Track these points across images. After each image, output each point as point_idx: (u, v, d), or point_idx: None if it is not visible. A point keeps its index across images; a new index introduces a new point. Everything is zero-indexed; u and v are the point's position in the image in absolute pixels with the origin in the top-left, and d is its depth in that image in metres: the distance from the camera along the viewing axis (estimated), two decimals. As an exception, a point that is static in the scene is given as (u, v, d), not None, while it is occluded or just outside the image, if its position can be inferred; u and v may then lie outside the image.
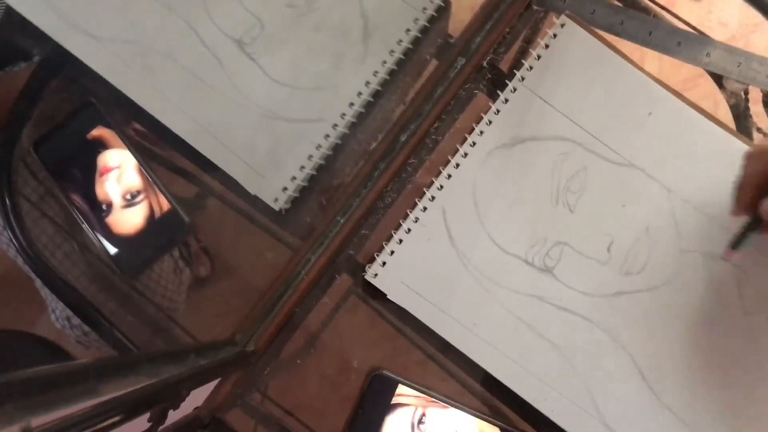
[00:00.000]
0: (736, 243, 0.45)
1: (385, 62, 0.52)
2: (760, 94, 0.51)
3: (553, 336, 0.48)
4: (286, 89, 0.52)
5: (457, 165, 0.50)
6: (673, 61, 0.50)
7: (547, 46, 0.50)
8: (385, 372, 0.49)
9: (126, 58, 0.53)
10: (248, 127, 0.52)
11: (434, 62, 0.53)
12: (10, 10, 0.53)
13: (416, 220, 0.49)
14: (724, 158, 0.48)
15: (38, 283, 0.54)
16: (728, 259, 0.47)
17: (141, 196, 0.53)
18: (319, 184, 0.53)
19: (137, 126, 0.55)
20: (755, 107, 0.53)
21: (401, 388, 0.49)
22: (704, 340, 0.47)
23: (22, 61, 0.55)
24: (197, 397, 0.48)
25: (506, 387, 0.48)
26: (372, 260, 0.50)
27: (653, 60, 0.52)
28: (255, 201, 0.52)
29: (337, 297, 0.52)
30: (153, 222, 0.53)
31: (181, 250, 0.55)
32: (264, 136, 0.52)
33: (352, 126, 0.52)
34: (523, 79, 0.50)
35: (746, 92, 0.52)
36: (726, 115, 0.53)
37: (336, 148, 0.52)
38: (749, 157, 0.43)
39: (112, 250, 0.53)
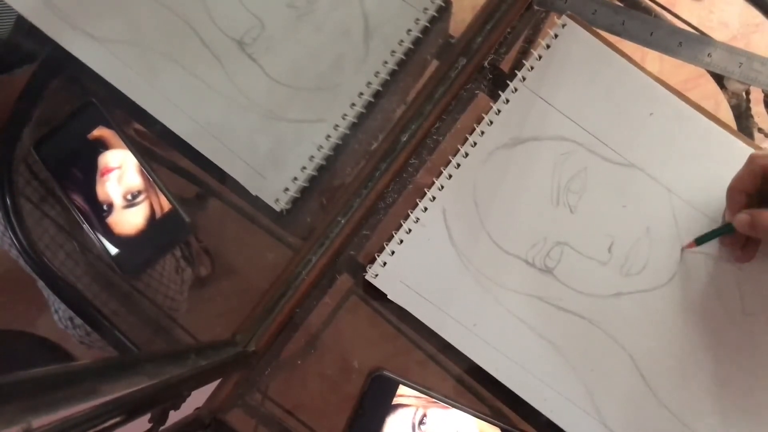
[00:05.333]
0: (703, 240, 0.46)
1: (386, 62, 0.52)
2: (762, 95, 0.51)
3: (553, 336, 0.48)
4: (287, 89, 0.53)
5: (458, 165, 0.50)
6: (674, 62, 0.50)
7: (548, 47, 0.50)
8: (386, 372, 0.49)
9: (126, 59, 0.53)
10: (249, 127, 0.52)
11: (435, 62, 0.53)
12: (21, 17, 0.53)
13: (417, 220, 0.49)
14: (725, 159, 0.47)
15: (40, 283, 0.54)
16: (686, 249, 0.47)
17: (142, 197, 0.53)
18: (319, 185, 0.53)
19: (138, 126, 0.55)
20: (756, 107, 0.53)
21: (402, 389, 0.49)
22: (704, 340, 0.47)
23: (27, 63, 0.56)
24: (198, 398, 0.48)
25: (506, 387, 0.48)
26: (372, 260, 0.50)
27: (654, 60, 0.52)
28: (256, 201, 0.52)
29: (338, 297, 0.52)
30: (154, 222, 0.53)
31: (183, 250, 0.55)
32: (265, 137, 0.52)
33: (353, 126, 0.52)
34: (524, 79, 0.50)
35: (747, 92, 0.52)
36: (727, 116, 0.52)
37: (337, 149, 0.52)
38: (746, 163, 0.44)
39: (113, 250, 0.53)
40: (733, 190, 0.44)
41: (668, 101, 0.49)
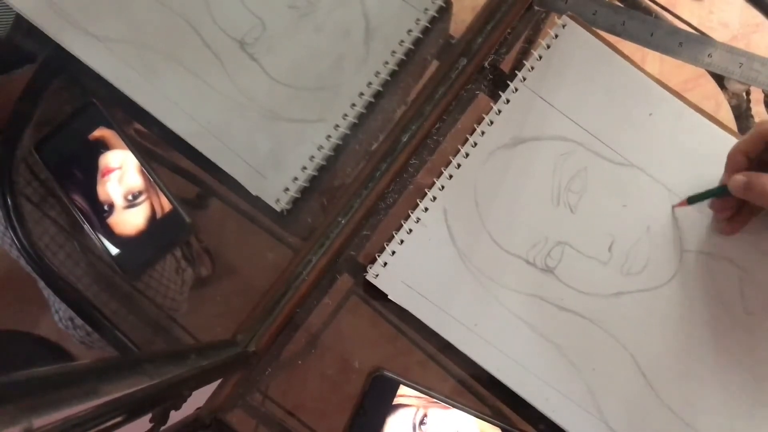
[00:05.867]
0: (695, 200, 0.46)
1: (386, 63, 0.52)
2: (762, 95, 0.51)
3: (554, 336, 0.48)
4: (288, 89, 0.53)
5: (459, 165, 0.50)
6: (674, 62, 0.50)
7: (548, 47, 0.50)
8: (387, 373, 0.49)
9: (127, 59, 0.53)
10: (249, 127, 0.52)
11: (435, 63, 0.53)
12: (20, 17, 0.53)
13: (417, 220, 0.49)
14: (725, 159, 0.47)
15: (41, 283, 0.54)
16: (676, 208, 0.48)
17: (142, 197, 0.53)
18: (320, 185, 0.53)
19: (139, 126, 0.55)
20: (757, 108, 0.53)
21: (402, 389, 0.49)
22: (705, 339, 0.47)
23: (28, 63, 0.56)
24: (199, 398, 0.48)
25: (507, 387, 0.48)
26: (373, 261, 0.50)
27: (654, 60, 0.52)
28: (256, 201, 0.52)
29: (338, 297, 0.52)
30: (154, 222, 0.53)
31: (184, 250, 0.55)
32: (265, 137, 0.52)
33: (354, 126, 0.52)
34: (524, 79, 0.50)
35: (748, 93, 0.52)
36: (727, 116, 0.53)
37: (337, 149, 0.52)
38: (753, 127, 0.43)
39: (114, 250, 0.53)
40: (734, 152, 0.44)
41: (668, 101, 0.49)
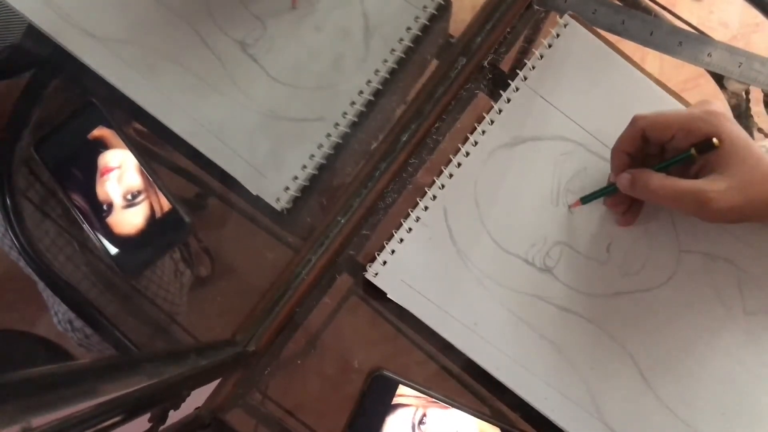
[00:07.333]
0: (588, 199, 0.47)
1: (386, 61, 0.52)
2: (761, 95, 0.51)
3: (553, 335, 0.48)
4: (288, 89, 0.53)
5: (459, 164, 0.50)
6: (674, 61, 0.50)
7: (549, 46, 0.50)
8: (386, 372, 0.49)
9: (127, 58, 0.53)
10: (250, 126, 0.52)
11: (435, 62, 0.53)
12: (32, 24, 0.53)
13: (417, 219, 0.49)
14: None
15: (40, 285, 0.54)
16: (572, 207, 0.49)
17: (142, 197, 0.53)
18: (319, 184, 0.53)
19: (138, 126, 0.55)
20: (756, 107, 0.53)
21: (402, 389, 0.49)
22: (704, 339, 0.47)
23: (34, 68, 0.56)
24: (198, 398, 0.48)
25: (506, 387, 0.48)
26: (372, 260, 0.49)
27: (654, 60, 0.52)
28: (256, 201, 0.52)
29: (338, 297, 0.52)
30: (154, 222, 0.53)
31: (182, 251, 0.55)
32: (265, 136, 0.52)
33: (354, 125, 0.52)
34: (525, 78, 0.50)
35: (747, 92, 0.52)
36: (727, 116, 0.52)
37: (337, 148, 0.52)
38: (629, 123, 0.44)
39: (113, 250, 0.53)
40: (615, 151, 0.45)
41: (668, 102, 0.49)
